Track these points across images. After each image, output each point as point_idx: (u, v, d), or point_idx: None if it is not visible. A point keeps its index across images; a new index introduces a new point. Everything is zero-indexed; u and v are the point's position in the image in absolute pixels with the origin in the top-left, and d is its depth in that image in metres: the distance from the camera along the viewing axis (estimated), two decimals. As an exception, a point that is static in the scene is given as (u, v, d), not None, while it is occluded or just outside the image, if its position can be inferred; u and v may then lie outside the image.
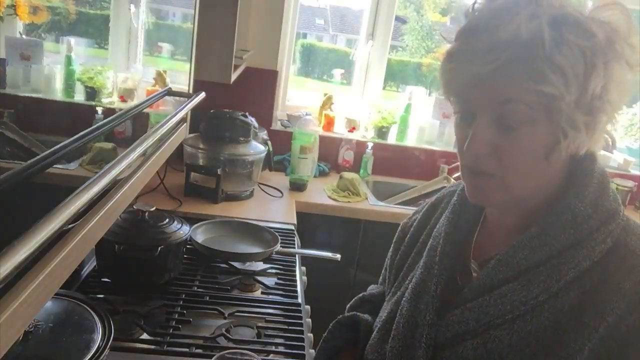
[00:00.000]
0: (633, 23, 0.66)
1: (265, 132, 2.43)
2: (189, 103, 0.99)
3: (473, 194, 0.74)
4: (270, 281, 1.50)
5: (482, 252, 0.79)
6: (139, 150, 0.64)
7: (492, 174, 0.69)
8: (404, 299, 0.83)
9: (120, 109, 0.81)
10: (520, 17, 0.63)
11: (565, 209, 0.69)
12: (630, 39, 0.66)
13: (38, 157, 0.47)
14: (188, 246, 1.50)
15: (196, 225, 1.64)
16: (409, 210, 2.34)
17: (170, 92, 1.02)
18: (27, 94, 0.56)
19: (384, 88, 2.90)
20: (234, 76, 1.63)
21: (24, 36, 0.53)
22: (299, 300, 1.43)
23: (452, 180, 2.47)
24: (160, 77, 1.12)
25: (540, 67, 0.63)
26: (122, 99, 0.89)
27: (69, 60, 0.66)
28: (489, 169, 0.69)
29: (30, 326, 0.84)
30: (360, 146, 2.67)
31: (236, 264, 1.54)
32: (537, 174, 0.70)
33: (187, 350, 1.13)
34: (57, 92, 0.67)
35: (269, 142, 2.33)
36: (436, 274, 0.80)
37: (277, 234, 1.69)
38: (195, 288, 1.40)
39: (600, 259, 0.68)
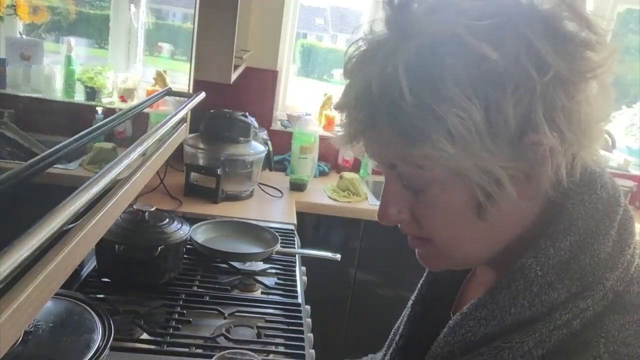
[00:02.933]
0: (575, 8, 0.48)
1: (265, 132, 2.43)
2: (189, 103, 0.99)
3: (421, 261, 0.61)
4: (270, 281, 1.50)
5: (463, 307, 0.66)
6: (139, 150, 0.64)
7: (426, 239, 0.57)
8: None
9: (120, 109, 0.81)
10: (372, 60, 0.50)
11: (518, 271, 0.51)
12: (569, 32, 0.47)
13: (38, 157, 0.47)
14: (188, 246, 1.50)
15: (196, 225, 1.64)
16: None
17: (170, 92, 1.02)
18: (27, 94, 0.56)
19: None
20: (234, 76, 1.63)
21: (24, 36, 0.53)
22: (299, 300, 1.43)
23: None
24: (160, 77, 1.12)
25: (407, 123, 0.48)
26: (122, 99, 0.89)
27: (69, 60, 0.66)
28: (419, 234, 0.57)
29: (30, 326, 0.84)
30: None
31: (236, 264, 1.54)
32: (474, 236, 0.55)
33: (187, 350, 1.13)
34: (57, 92, 0.67)
35: (269, 142, 2.33)
36: (404, 323, 0.71)
37: (277, 234, 1.69)
38: (195, 288, 1.40)
39: (558, 348, 0.49)
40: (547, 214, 0.54)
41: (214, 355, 0.92)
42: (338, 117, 0.57)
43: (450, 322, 0.57)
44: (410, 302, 0.71)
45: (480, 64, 0.46)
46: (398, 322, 0.74)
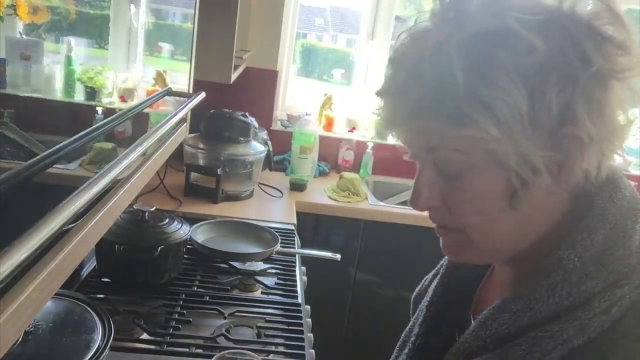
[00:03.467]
0: (616, 12, 0.51)
1: (265, 132, 2.43)
2: (189, 103, 0.99)
3: (445, 252, 0.63)
4: (270, 281, 1.50)
5: (483, 307, 0.64)
6: (139, 150, 0.64)
7: (456, 229, 0.58)
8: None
9: (120, 109, 0.81)
10: (425, 45, 0.52)
11: (556, 263, 0.53)
12: (609, 34, 0.50)
13: (38, 157, 0.47)
14: (188, 246, 1.50)
15: (196, 225, 1.64)
16: (409, 210, 2.35)
17: (170, 92, 1.02)
18: (27, 94, 0.56)
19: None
20: (234, 76, 1.63)
21: (24, 36, 0.53)
22: (299, 300, 1.43)
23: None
24: (160, 77, 1.12)
25: (455, 107, 0.50)
26: (122, 99, 0.89)
27: (69, 60, 0.66)
28: (449, 224, 0.58)
29: (30, 326, 0.84)
30: (360, 146, 2.67)
31: (236, 264, 1.54)
32: (505, 226, 0.56)
33: (187, 350, 1.13)
34: (57, 92, 0.67)
35: (269, 142, 2.33)
36: (420, 323, 0.70)
37: (277, 234, 1.69)
38: (195, 288, 1.40)
39: (599, 335, 0.51)
40: (574, 211, 0.56)
41: (214, 355, 0.92)
42: (377, 103, 0.59)
43: (479, 317, 0.58)
44: (425, 303, 0.71)
45: (529, 54, 0.49)
46: (411, 324, 0.74)
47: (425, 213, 0.61)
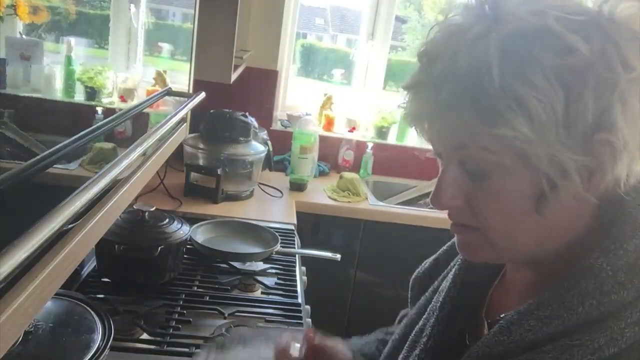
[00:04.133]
0: None
1: (265, 132, 2.43)
2: (189, 103, 0.99)
3: (460, 250, 0.62)
4: (270, 281, 1.50)
5: (497, 310, 0.65)
6: (139, 150, 0.64)
7: (474, 227, 0.57)
8: (394, 341, 0.75)
9: (120, 109, 0.81)
10: (461, 39, 0.51)
11: (587, 271, 0.52)
12: None
13: (38, 157, 0.47)
14: (188, 246, 1.50)
15: (196, 225, 1.63)
16: (409, 210, 2.35)
17: (170, 92, 1.02)
18: (27, 94, 0.56)
19: (384, 88, 2.90)
20: (234, 76, 1.63)
21: (24, 36, 0.53)
22: (299, 300, 1.43)
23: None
24: (160, 77, 1.12)
25: (489, 104, 0.49)
26: (122, 99, 0.89)
27: (69, 60, 0.66)
28: (468, 222, 0.57)
29: (30, 326, 0.84)
30: (360, 146, 2.66)
31: (236, 264, 1.54)
32: (529, 230, 0.55)
33: (187, 350, 1.13)
34: (57, 92, 0.67)
35: (269, 142, 2.33)
36: (432, 324, 0.69)
37: (277, 234, 1.69)
38: (195, 288, 1.40)
39: (630, 345, 0.49)
40: (602, 217, 0.55)
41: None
42: (403, 96, 0.57)
43: (501, 321, 0.56)
44: (438, 304, 0.70)
45: (568, 54, 0.48)
46: (420, 324, 0.73)
47: (432, 214, 0.60)
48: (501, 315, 0.58)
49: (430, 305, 0.72)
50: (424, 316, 0.72)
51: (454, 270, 0.72)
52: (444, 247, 0.80)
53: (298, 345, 0.69)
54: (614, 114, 0.48)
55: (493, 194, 0.54)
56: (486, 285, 0.69)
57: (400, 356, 0.71)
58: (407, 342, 0.72)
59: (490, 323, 0.64)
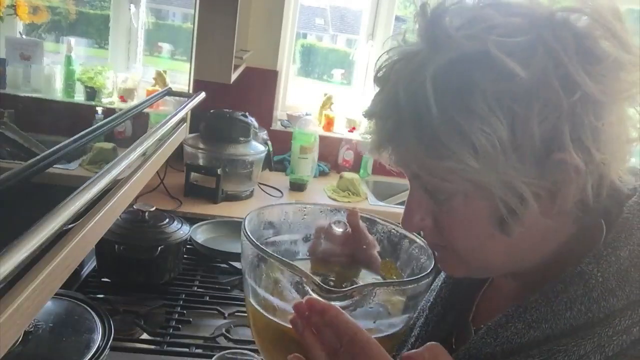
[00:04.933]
0: (610, 27, 0.48)
1: (265, 132, 2.43)
2: (189, 103, 0.99)
3: (440, 265, 0.62)
4: (270, 281, 1.49)
5: (483, 316, 0.65)
6: (139, 150, 0.64)
7: (443, 246, 0.58)
8: None
9: (120, 109, 0.81)
10: (402, 71, 0.51)
11: (577, 276, 0.51)
12: (600, 54, 0.47)
13: (38, 157, 0.47)
14: (188, 246, 1.50)
15: (196, 225, 1.64)
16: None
17: (170, 92, 1.02)
18: (27, 94, 0.56)
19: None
20: (234, 76, 1.63)
21: (24, 36, 0.53)
22: (299, 300, 1.42)
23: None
24: (160, 77, 1.12)
25: (432, 137, 0.48)
26: (122, 99, 0.89)
27: (69, 60, 0.66)
28: (438, 241, 0.58)
29: (30, 326, 0.84)
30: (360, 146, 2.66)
31: (236, 264, 1.54)
32: (497, 250, 0.55)
33: (187, 350, 1.13)
34: (57, 92, 0.67)
35: (269, 142, 2.33)
36: (420, 325, 0.69)
37: (277, 234, 1.69)
38: (195, 288, 1.40)
39: (617, 353, 0.48)
40: (590, 225, 0.54)
41: (214, 355, 0.92)
42: (365, 124, 0.59)
43: (489, 323, 0.56)
44: (428, 304, 0.70)
45: (508, 80, 0.46)
46: (410, 322, 0.73)
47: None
48: (488, 324, 0.57)
49: (421, 304, 0.72)
50: (414, 315, 0.72)
51: (439, 283, 0.71)
52: None
53: (340, 227, 0.68)
54: (563, 135, 0.47)
55: (455, 217, 0.54)
56: (476, 288, 0.69)
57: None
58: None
59: (476, 327, 0.64)
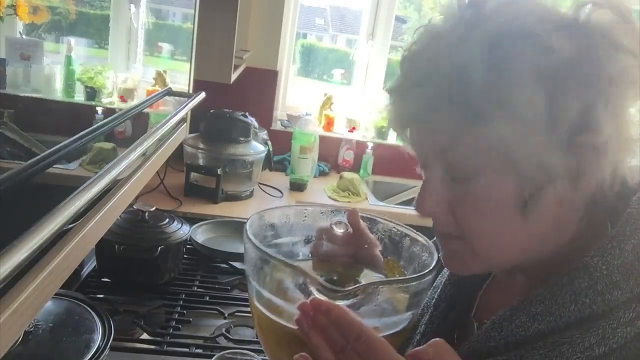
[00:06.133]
0: (634, 24, 0.50)
1: (265, 132, 2.43)
2: (189, 103, 0.99)
3: (446, 263, 0.61)
4: (270, 281, 1.49)
5: (485, 312, 0.65)
6: (139, 150, 0.64)
7: (458, 236, 0.56)
8: None
9: (120, 109, 0.81)
10: (444, 41, 0.52)
11: (582, 269, 0.52)
12: (625, 46, 0.49)
13: (38, 157, 0.47)
14: (188, 246, 1.50)
15: (196, 225, 1.64)
16: (409, 210, 2.35)
17: (170, 92, 1.02)
18: (27, 94, 0.56)
19: (384, 88, 2.89)
20: (234, 76, 1.63)
21: (24, 36, 0.53)
22: (299, 300, 1.42)
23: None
24: (160, 77, 1.12)
25: (471, 105, 0.49)
26: (122, 99, 0.89)
27: (69, 60, 0.66)
28: (453, 231, 0.56)
29: (30, 326, 0.84)
30: (360, 146, 2.66)
31: (236, 264, 1.54)
32: (514, 237, 0.54)
33: (187, 350, 1.13)
34: (57, 92, 0.67)
35: (269, 142, 2.33)
36: (425, 322, 0.69)
37: (277, 234, 1.69)
38: (195, 288, 1.40)
39: (621, 346, 0.49)
40: (595, 219, 0.55)
41: (214, 355, 0.92)
42: (387, 100, 0.58)
43: (494, 317, 0.56)
44: (433, 300, 0.70)
45: (549, 55, 0.48)
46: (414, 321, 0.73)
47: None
48: (493, 317, 0.57)
49: (424, 301, 0.72)
50: (418, 312, 0.72)
51: (444, 279, 0.71)
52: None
53: (341, 227, 0.68)
54: (597, 114, 0.48)
55: (476, 199, 0.53)
56: (478, 285, 0.69)
57: None
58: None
59: (479, 323, 0.64)
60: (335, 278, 0.65)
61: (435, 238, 0.63)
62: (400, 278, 0.63)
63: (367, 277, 0.66)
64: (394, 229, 0.68)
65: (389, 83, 0.57)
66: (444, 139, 0.53)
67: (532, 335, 0.52)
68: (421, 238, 0.65)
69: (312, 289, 0.51)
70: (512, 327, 0.54)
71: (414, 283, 0.57)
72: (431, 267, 0.58)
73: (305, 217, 0.71)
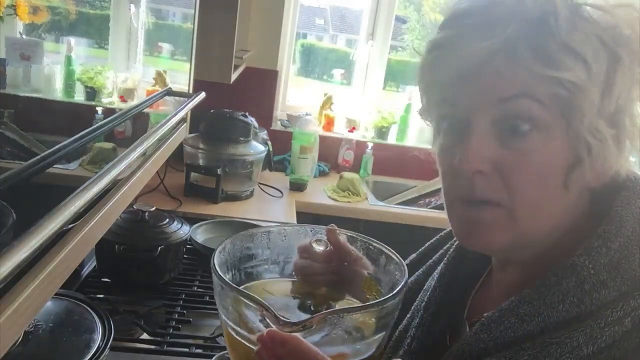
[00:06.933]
0: None
1: (265, 132, 2.43)
2: (189, 103, 0.99)
3: (468, 235, 0.57)
4: (270, 281, 1.49)
5: (477, 312, 0.64)
6: (139, 150, 0.64)
7: (496, 203, 0.53)
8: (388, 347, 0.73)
9: (120, 109, 0.81)
10: None
11: (569, 269, 0.51)
12: None
13: (38, 157, 0.47)
14: (188, 246, 1.50)
15: (196, 225, 1.63)
16: (409, 210, 2.35)
17: (170, 92, 1.02)
18: (27, 94, 0.56)
19: (384, 88, 2.90)
20: (234, 76, 1.63)
21: (24, 36, 0.53)
22: (299, 300, 1.42)
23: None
24: (160, 77, 1.12)
25: (553, 47, 0.49)
26: (122, 99, 0.89)
27: (69, 60, 0.66)
28: (493, 196, 0.53)
29: (30, 326, 0.84)
30: (360, 146, 2.67)
31: (236, 264, 1.54)
32: (554, 207, 0.54)
33: (187, 350, 1.12)
34: (57, 92, 0.67)
35: (269, 142, 2.33)
36: (416, 325, 0.68)
37: (277, 234, 1.69)
38: (195, 288, 1.40)
39: (609, 345, 0.49)
40: (590, 215, 0.55)
41: (214, 355, 0.92)
42: (423, 61, 0.56)
43: (483, 319, 0.56)
44: (423, 303, 0.70)
45: (614, 28, 0.50)
46: (405, 323, 0.72)
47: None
48: (482, 319, 0.56)
49: (414, 304, 0.72)
50: (408, 315, 0.72)
51: (440, 268, 0.71)
52: (431, 241, 0.81)
53: (321, 245, 0.68)
54: (633, 99, 0.51)
55: (527, 157, 0.52)
56: (470, 285, 0.69)
57: (384, 356, 0.70)
58: (391, 342, 0.71)
59: (471, 324, 0.63)
60: (309, 302, 0.64)
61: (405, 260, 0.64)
62: (360, 305, 0.60)
63: (344, 302, 0.66)
64: (371, 247, 0.68)
65: (429, 39, 0.55)
66: (512, 86, 0.51)
67: (521, 337, 0.52)
68: (395, 257, 0.64)
69: (268, 320, 0.51)
70: (501, 328, 0.53)
71: (375, 309, 0.55)
72: (395, 291, 0.56)
73: (284, 237, 0.71)
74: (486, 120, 0.53)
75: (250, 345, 0.54)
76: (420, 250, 0.83)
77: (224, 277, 0.56)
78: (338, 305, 0.64)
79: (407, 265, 0.81)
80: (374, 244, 0.67)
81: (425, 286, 0.72)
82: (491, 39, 0.50)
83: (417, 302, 0.72)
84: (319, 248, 0.68)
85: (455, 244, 0.71)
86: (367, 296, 0.65)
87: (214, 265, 0.58)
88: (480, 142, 0.52)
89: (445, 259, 0.71)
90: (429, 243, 0.81)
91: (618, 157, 0.52)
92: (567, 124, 0.50)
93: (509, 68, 0.50)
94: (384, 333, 0.58)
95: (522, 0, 0.50)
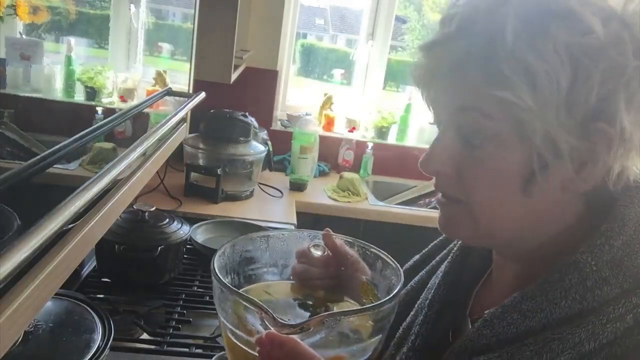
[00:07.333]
0: None
1: (265, 132, 2.43)
2: (189, 103, 0.99)
3: (442, 225, 0.61)
4: (270, 281, 1.49)
5: (481, 308, 0.64)
6: (139, 150, 0.64)
7: (457, 200, 0.57)
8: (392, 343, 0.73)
9: (120, 109, 0.81)
10: (484, 3, 0.52)
11: (572, 265, 0.52)
12: None
13: (38, 157, 0.47)
14: (188, 246, 1.50)
15: (196, 225, 1.64)
16: (409, 210, 2.35)
17: (170, 92, 1.02)
18: (27, 94, 0.56)
19: (384, 88, 2.90)
20: (234, 76, 1.63)
21: (24, 36, 0.53)
22: (299, 300, 1.42)
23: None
24: (160, 77, 1.12)
25: (497, 66, 0.49)
26: (122, 99, 0.89)
27: (69, 60, 0.66)
28: (452, 193, 0.57)
29: (30, 326, 0.84)
30: (360, 146, 2.67)
31: (236, 264, 1.54)
32: (513, 210, 0.55)
33: (187, 350, 1.12)
34: (57, 92, 0.67)
35: (269, 142, 2.33)
36: (420, 322, 0.69)
37: (277, 234, 1.69)
38: (195, 288, 1.40)
39: (611, 341, 0.49)
40: (590, 214, 0.55)
41: (214, 355, 0.92)
42: (415, 58, 0.58)
43: (485, 315, 0.56)
44: (427, 301, 0.70)
45: (584, 34, 0.48)
46: (408, 320, 0.72)
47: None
48: (484, 315, 0.57)
49: (418, 302, 0.72)
50: (412, 313, 0.72)
51: (444, 267, 0.71)
52: (434, 242, 0.81)
53: (319, 250, 0.68)
54: (616, 102, 0.49)
55: (484, 164, 0.54)
56: (473, 283, 0.69)
57: (387, 353, 0.71)
58: (395, 339, 0.72)
59: (474, 321, 0.64)
60: (310, 302, 0.65)
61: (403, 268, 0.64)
62: (357, 309, 0.61)
63: (343, 304, 0.66)
64: (367, 252, 0.68)
65: (420, 42, 0.58)
66: (464, 97, 0.53)
67: (523, 332, 0.53)
68: (391, 262, 0.65)
69: (266, 322, 0.52)
70: (503, 324, 0.54)
71: (372, 312, 0.56)
72: (391, 296, 0.57)
73: (283, 242, 0.71)
74: (452, 126, 0.56)
75: (249, 350, 0.54)
76: (423, 251, 0.83)
77: (223, 281, 0.56)
78: (337, 308, 0.65)
79: (410, 266, 0.82)
80: (371, 249, 0.68)
81: (429, 284, 0.73)
82: (446, 55, 0.53)
83: (420, 299, 0.72)
84: (317, 253, 0.68)
85: (459, 243, 0.72)
86: (364, 300, 0.66)
87: (214, 268, 0.58)
88: (443, 145, 0.56)
89: (450, 257, 0.71)
90: (432, 244, 0.82)
91: (587, 175, 0.52)
92: (519, 136, 0.51)
93: (460, 81, 0.53)
94: (380, 336, 0.58)
95: (472, 19, 0.52)
